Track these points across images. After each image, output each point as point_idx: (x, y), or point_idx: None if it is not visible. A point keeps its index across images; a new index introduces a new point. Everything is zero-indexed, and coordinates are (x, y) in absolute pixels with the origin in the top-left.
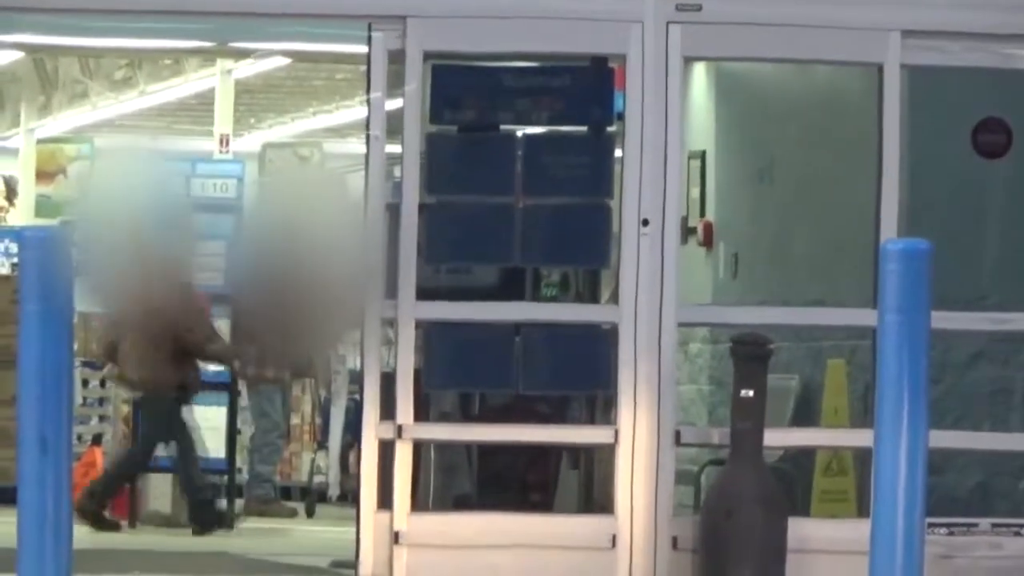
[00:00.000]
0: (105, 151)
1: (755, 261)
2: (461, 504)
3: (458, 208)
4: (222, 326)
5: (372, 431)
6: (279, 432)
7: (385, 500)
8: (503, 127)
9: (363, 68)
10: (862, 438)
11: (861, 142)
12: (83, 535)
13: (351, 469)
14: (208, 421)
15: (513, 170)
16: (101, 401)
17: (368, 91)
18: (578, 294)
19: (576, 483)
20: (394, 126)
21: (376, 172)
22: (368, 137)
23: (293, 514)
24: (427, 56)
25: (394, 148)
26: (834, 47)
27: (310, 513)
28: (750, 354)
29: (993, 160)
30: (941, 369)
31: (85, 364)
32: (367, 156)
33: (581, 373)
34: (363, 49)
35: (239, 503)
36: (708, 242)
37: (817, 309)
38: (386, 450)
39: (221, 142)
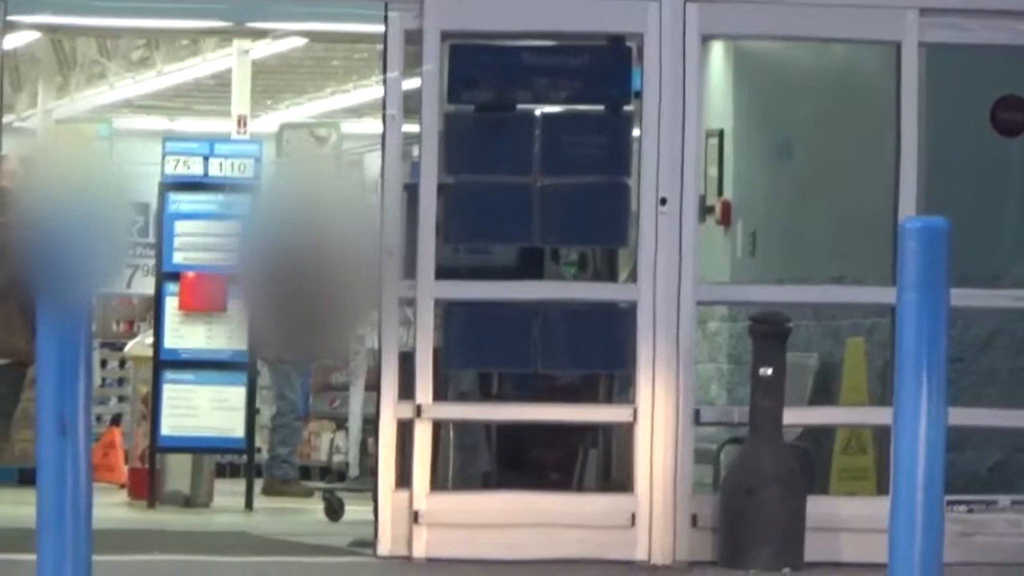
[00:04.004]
0: (123, 132)
1: (773, 239)
2: (480, 483)
3: (477, 188)
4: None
5: (390, 411)
6: (296, 414)
7: (404, 479)
8: (521, 106)
9: (380, 48)
10: (881, 416)
11: (879, 120)
12: (103, 515)
13: (370, 449)
14: (227, 401)
15: (531, 149)
16: (120, 382)
17: (384, 71)
18: (596, 272)
19: (596, 462)
20: (412, 106)
21: (393, 152)
22: (385, 117)
23: (311, 494)
24: (444, 36)
25: (412, 128)
26: (851, 25)
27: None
28: (769, 332)
29: (1011, 138)
30: (960, 347)
31: (104, 345)
32: (383, 136)
33: (600, 352)
34: (380, 29)
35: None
36: (726, 221)
37: (836, 287)
38: (405, 429)
39: (239, 123)
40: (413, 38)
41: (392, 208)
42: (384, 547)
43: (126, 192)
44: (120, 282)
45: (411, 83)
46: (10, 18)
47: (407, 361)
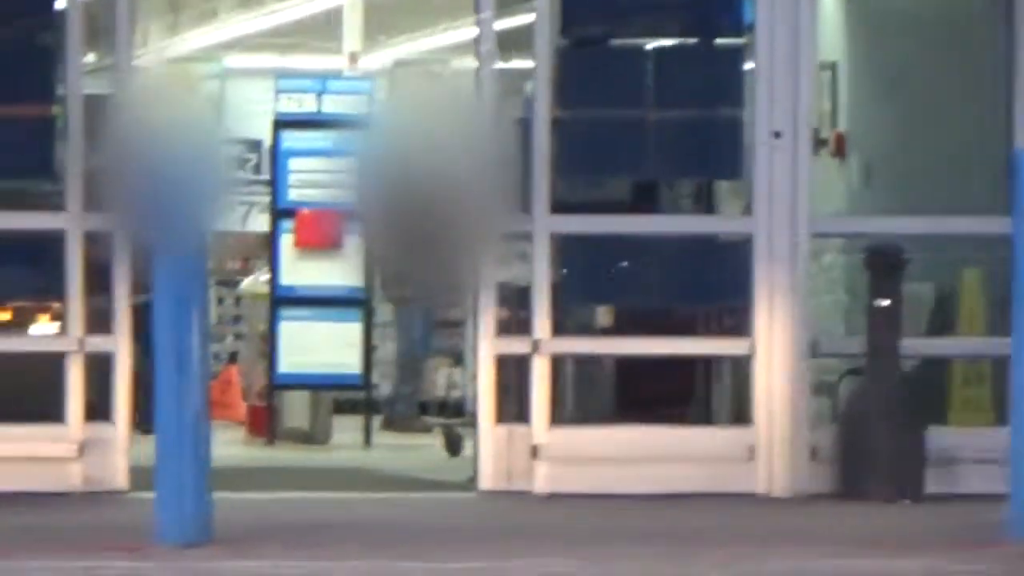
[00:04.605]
0: (233, 70)
1: (888, 171)
2: (598, 417)
3: (590, 122)
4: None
5: (488, 345)
6: (416, 352)
7: (511, 414)
8: (633, 40)
9: None
10: (999, 347)
11: (993, 48)
12: (222, 453)
13: None
14: (344, 337)
15: (644, 83)
16: (236, 319)
17: (477, 10)
18: (710, 206)
19: (714, 395)
20: (523, 41)
21: (488, 89)
22: (479, 54)
23: (430, 430)
24: None
25: (523, 64)
26: None
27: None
28: (885, 264)
29: None
30: None
31: (219, 283)
32: (478, 72)
33: (716, 285)
34: None
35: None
36: (840, 153)
37: (951, 218)
38: (514, 364)
39: (351, 59)
40: None
41: (491, 143)
42: (486, 482)
43: (227, 130)
44: (234, 220)
45: (520, 19)
46: None
47: (522, 296)
